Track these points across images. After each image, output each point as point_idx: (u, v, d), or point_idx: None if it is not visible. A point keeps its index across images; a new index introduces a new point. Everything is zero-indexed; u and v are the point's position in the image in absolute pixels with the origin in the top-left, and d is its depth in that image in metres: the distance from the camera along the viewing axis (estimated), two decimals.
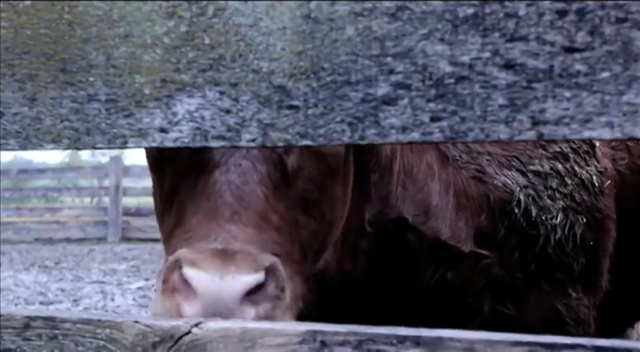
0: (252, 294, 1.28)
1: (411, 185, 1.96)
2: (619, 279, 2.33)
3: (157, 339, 1.13)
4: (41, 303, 7.63)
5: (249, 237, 1.35)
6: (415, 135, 0.99)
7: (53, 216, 16.51)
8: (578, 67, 0.91)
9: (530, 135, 0.94)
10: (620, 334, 3.21)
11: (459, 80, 0.96)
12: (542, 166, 2.11)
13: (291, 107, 1.04)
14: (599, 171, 2.23)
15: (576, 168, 2.16)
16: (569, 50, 0.92)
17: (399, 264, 1.95)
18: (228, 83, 1.06)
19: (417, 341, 0.99)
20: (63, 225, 15.92)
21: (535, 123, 0.94)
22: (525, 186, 2.07)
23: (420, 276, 1.97)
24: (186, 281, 1.29)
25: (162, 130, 1.10)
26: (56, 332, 1.19)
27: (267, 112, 1.05)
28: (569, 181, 2.13)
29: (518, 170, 2.09)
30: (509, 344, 0.95)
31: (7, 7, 1.16)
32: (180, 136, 1.09)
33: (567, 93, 0.92)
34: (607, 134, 0.91)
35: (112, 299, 7.84)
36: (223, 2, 1.05)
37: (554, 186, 2.11)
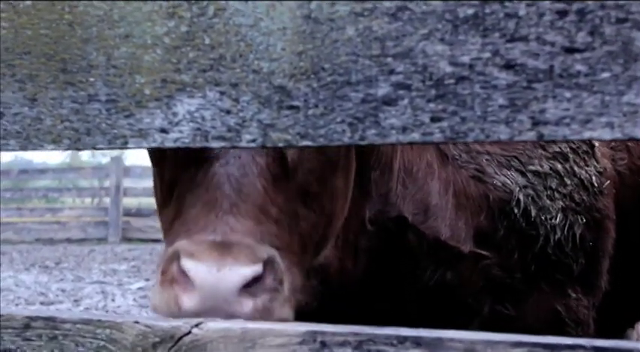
0: (250, 286, 1.29)
1: (411, 183, 1.96)
2: (619, 280, 2.33)
3: (157, 339, 1.13)
4: (42, 303, 7.63)
5: (248, 229, 1.35)
6: (415, 136, 0.99)
7: (54, 217, 16.52)
8: (579, 67, 0.91)
9: (531, 135, 0.94)
10: (621, 334, 3.21)
11: (460, 80, 0.96)
12: (541, 166, 2.11)
13: (291, 107, 1.04)
14: (599, 172, 2.23)
15: (576, 168, 2.16)
16: (570, 50, 0.92)
17: (399, 264, 1.95)
18: (228, 83, 1.06)
19: (417, 342, 0.99)
20: (63, 226, 15.92)
21: (535, 123, 0.94)
22: (525, 186, 2.07)
23: (419, 276, 1.97)
24: (184, 273, 1.30)
25: (163, 131, 1.10)
26: (56, 332, 1.19)
27: (268, 113, 1.05)
28: (568, 181, 2.13)
29: (517, 170, 2.08)
30: (509, 345, 0.95)
31: (8, 8, 1.16)
32: (180, 137, 1.09)
33: (567, 94, 0.92)
34: (607, 134, 0.91)
35: (113, 300, 7.84)
36: (224, 2, 1.05)
37: (554, 187, 2.10)
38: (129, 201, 17.33)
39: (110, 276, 9.76)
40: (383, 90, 0.99)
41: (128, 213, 15.93)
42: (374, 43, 0.99)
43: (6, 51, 1.16)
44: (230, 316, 1.27)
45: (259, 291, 1.30)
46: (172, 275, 1.32)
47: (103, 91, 1.13)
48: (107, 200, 16.54)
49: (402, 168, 1.94)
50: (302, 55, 1.02)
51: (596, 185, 2.19)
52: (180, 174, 1.48)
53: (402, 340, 0.99)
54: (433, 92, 0.97)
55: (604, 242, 2.21)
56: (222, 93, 1.07)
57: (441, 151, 2.03)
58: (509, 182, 2.06)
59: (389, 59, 0.99)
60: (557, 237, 2.07)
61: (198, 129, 1.08)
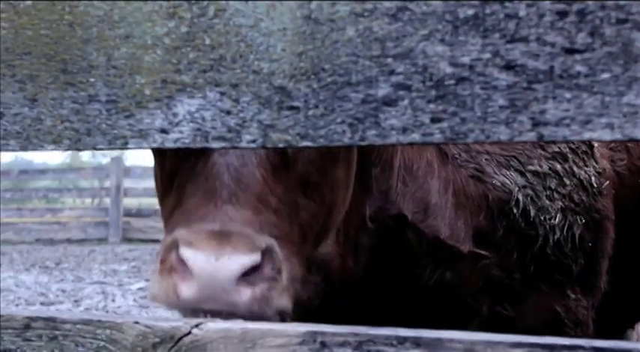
0: (249, 275, 1.29)
1: (411, 182, 1.96)
2: (618, 281, 2.33)
3: (157, 340, 1.13)
4: (42, 304, 7.63)
5: (247, 218, 1.36)
6: (415, 136, 0.99)
7: (54, 217, 16.52)
8: (579, 68, 0.92)
9: (531, 136, 0.94)
10: (620, 335, 3.21)
11: (460, 81, 0.96)
12: (540, 166, 2.11)
13: (291, 108, 1.04)
14: (598, 172, 2.23)
15: (575, 168, 2.16)
16: (570, 51, 0.92)
17: (399, 262, 1.95)
18: (228, 84, 1.06)
19: (417, 342, 0.99)
20: (64, 226, 15.92)
21: (535, 124, 0.94)
22: (524, 186, 2.07)
23: (419, 275, 1.97)
24: (183, 262, 1.30)
25: (163, 131, 1.10)
26: (56, 332, 1.19)
27: (268, 113, 1.05)
28: (567, 182, 2.13)
29: (516, 170, 2.08)
30: (509, 346, 0.95)
31: (8, 8, 1.16)
32: (180, 137, 1.09)
33: (567, 95, 0.92)
34: (607, 135, 0.91)
35: (113, 300, 7.85)
36: (224, 3, 1.05)
37: (553, 187, 2.10)
38: (129, 202, 17.33)
39: (110, 277, 9.76)
40: (383, 90, 0.99)
41: (128, 213, 15.93)
42: (374, 44, 0.99)
43: (6, 51, 1.17)
44: (228, 305, 1.28)
45: (257, 280, 1.30)
46: (171, 264, 1.32)
47: (103, 92, 1.13)
48: (107, 200, 16.54)
49: (403, 166, 1.94)
50: (302, 55, 1.02)
51: (595, 185, 2.20)
52: (181, 163, 1.49)
53: (402, 340, 0.99)
54: (433, 93, 0.97)
55: (603, 242, 2.21)
56: (222, 93, 1.07)
57: (441, 150, 2.03)
58: (508, 182, 2.06)
59: (389, 60, 0.99)
60: (556, 237, 2.07)
61: (199, 129, 1.08)
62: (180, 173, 1.48)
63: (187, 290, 1.29)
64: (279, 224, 1.42)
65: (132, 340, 1.14)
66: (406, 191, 1.95)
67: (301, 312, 1.90)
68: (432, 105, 0.97)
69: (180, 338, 1.12)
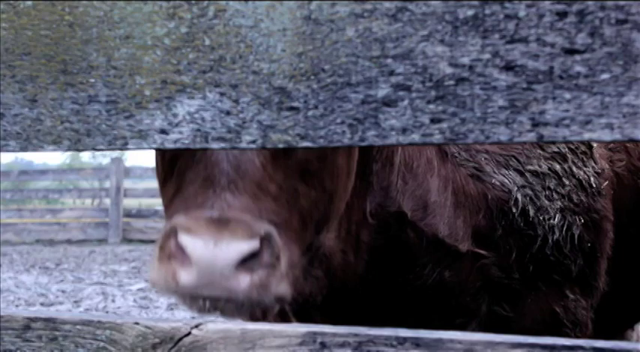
0: (247, 262, 1.29)
1: (411, 179, 1.96)
2: (617, 281, 2.33)
3: (157, 340, 1.13)
4: (42, 305, 7.63)
5: (245, 205, 1.36)
6: (415, 137, 0.99)
7: (54, 218, 16.52)
8: (578, 68, 0.92)
9: (531, 136, 0.94)
10: (619, 336, 3.21)
11: (459, 81, 0.96)
12: (540, 166, 2.11)
13: (291, 108, 1.04)
14: (597, 172, 2.23)
15: (574, 168, 2.16)
16: (570, 52, 0.92)
17: (398, 260, 1.95)
18: (228, 84, 1.06)
19: (417, 343, 0.99)
20: (64, 227, 15.92)
21: (535, 124, 0.94)
22: (523, 186, 2.07)
23: (418, 273, 1.97)
24: (181, 248, 1.30)
25: (163, 132, 1.10)
26: (56, 333, 1.19)
27: (268, 114, 1.05)
28: (566, 182, 2.13)
29: (516, 169, 2.08)
30: (509, 346, 0.95)
31: (8, 8, 1.16)
32: (180, 138, 1.09)
33: (567, 95, 0.92)
34: (607, 136, 0.91)
35: (113, 301, 7.84)
36: (224, 3, 1.05)
37: (552, 187, 2.10)
38: (129, 202, 17.35)
39: (110, 277, 9.76)
40: (383, 91, 0.99)
41: (128, 214, 15.93)
42: (374, 44, 0.99)
43: (6, 52, 1.17)
44: (227, 291, 1.28)
45: (256, 267, 1.30)
46: (170, 250, 1.32)
47: (103, 92, 1.13)
48: (107, 201, 16.54)
49: (403, 163, 1.94)
50: (302, 56, 1.03)
51: (594, 186, 2.19)
52: (181, 150, 1.49)
53: (402, 341, 0.99)
54: (433, 93, 0.97)
55: (602, 243, 2.21)
56: (222, 94, 1.07)
57: (441, 148, 2.03)
58: (507, 181, 2.06)
59: (389, 60, 0.99)
60: (555, 237, 2.07)
61: (198, 130, 1.08)
62: (181, 160, 1.48)
63: (186, 276, 1.29)
64: (278, 211, 1.43)
65: (132, 340, 1.14)
66: (406, 188, 1.95)
67: (303, 309, 1.90)
68: (431, 106, 0.97)
69: (180, 339, 1.12)
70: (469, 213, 2.02)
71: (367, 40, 0.99)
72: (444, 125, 0.97)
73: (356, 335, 1.02)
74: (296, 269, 1.44)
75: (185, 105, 1.09)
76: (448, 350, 0.97)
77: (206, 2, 1.06)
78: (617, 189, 2.34)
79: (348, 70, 1.01)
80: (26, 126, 1.17)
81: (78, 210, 17.94)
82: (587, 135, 0.92)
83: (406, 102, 0.98)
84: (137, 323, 1.15)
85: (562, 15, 0.92)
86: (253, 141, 1.06)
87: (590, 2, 0.90)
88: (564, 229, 2.09)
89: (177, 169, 1.49)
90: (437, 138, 0.98)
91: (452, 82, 0.96)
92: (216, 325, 1.12)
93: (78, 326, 1.18)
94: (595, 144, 2.28)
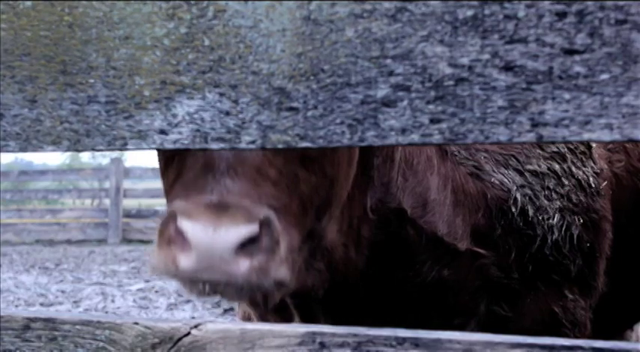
0: (247, 246, 1.30)
1: (411, 176, 1.96)
2: (615, 282, 2.33)
3: (156, 341, 1.13)
4: (41, 305, 7.63)
5: (245, 190, 1.36)
6: (415, 137, 0.99)
7: (54, 218, 16.53)
8: (578, 68, 0.92)
9: (530, 136, 0.94)
10: (619, 336, 3.21)
11: (459, 82, 0.96)
12: (539, 166, 2.11)
13: (290, 109, 1.04)
14: (596, 173, 2.23)
15: (573, 168, 2.16)
16: (569, 52, 0.92)
17: (398, 256, 1.95)
18: (227, 85, 1.06)
19: (416, 343, 0.99)
20: (63, 227, 15.93)
21: (534, 124, 0.94)
22: (522, 186, 2.07)
23: (417, 271, 1.97)
24: (181, 233, 1.31)
25: (162, 132, 1.10)
26: (56, 333, 1.19)
27: (267, 114, 1.05)
28: (566, 182, 2.13)
29: (515, 169, 2.08)
30: (508, 346, 0.95)
31: (8, 9, 1.16)
32: (179, 138, 1.09)
33: (567, 95, 0.92)
34: (606, 136, 0.91)
35: (113, 301, 7.84)
36: (223, 3, 1.05)
37: (551, 187, 2.10)
38: (129, 203, 17.35)
39: (110, 278, 9.76)
40: (382, 91, 0.99)
41: (128, 214, 15.93)
42: (373, 45, 0.99)
43: (6, 52, 1.17)
44: (226, 275, 1.29)
45: (256, 251, 1.31)
46: (169, 235, 1.33)
47: (102, 93, 1.13)
48: (107, 201, 16.54)
49: (403, 160, 1.95)
50: (301, 56, 1.03)
51: (593, 186, 2.20)
52: None
53: (401, 341, 0.99)
54: (432, 93, 0.97)
55: (601, 243, 2.21)
56: (221, 94, 1.07)
57: (441, 146, 2.03)
58: (506, 181, 2.06)
59: (388, 60, 0.99)
60: (554, 237, 2.07)
61: (198, 130, 1.08)
62: None
63: (186, 260, 1.30)
64: (277, 195, 1.43)
65: (131, 341, 1.14)
66: (406, 185, 1.95)
67: (305, 303, 1.90)
68: (431, 106, 0.97)
69: (180, 339, 1.12)
70: (468, 212, 2.02)
71: (367, 40, 1.00)
72: (444, 125, 0.97)
73: (355, 335, 1.02)
74: (295, 254, 1.45)
75: (184, 105, 1.09)
76: (447, 350, 0.97)
77: (205, 3, 1.06)
78: (616, 189, 2.34)
79: (347, 71, 1.01)
80: (26, 126, 1.17)
81: (77, 210, 17.95)
82: (586, 136, 0.92)
83: (405, 102, 0.98)
84: (136, 323, 1.15)
85: (561, 15, 0.92)
86: (253, 142, 1.06)
87: (589, 2, 0.90)
88: (563, 229, 2.09)
89: (178, 154, 1.50)
90: (436, 138, 0.98)
91: (451, 83, 0.96)
92: (216, 325, 1.12)
93: (77, 326, 1.18)
94: (594, 145, 2.28)
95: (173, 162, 1.51)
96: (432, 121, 0.97)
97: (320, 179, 1.58)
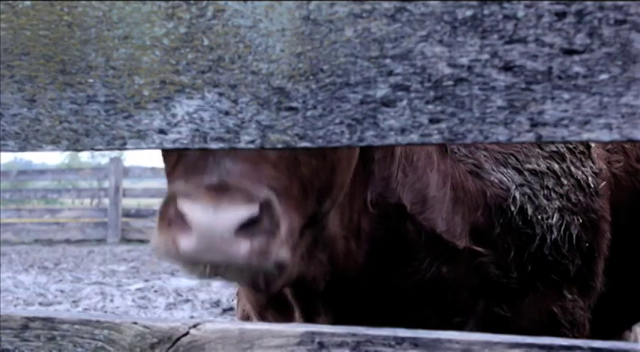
0: (247, 228, 1.30)
1: (410, 172, 1.96)
2: (614, 282, 2.33)
3: (155, 340, 1.13)
4: (40, 304, 7.63)
5: (245, 171, 1.37)
6: (414, 137, 0.99)
7: (53, 218, 16.53)
8: (577, 68, 0.92)
9: (529, 136, 0.94)
10: (618, 336, 3.21)
11: (458, 82, 0.96)
12: (538, 165, 2.11)
13: (290, 109, 1.04)
14: (595, 173, 2.23)
15: (572, 168, 2.16)
16: (568, 52, 0.92)
17: (397, 252, 1.96)
18: (227, 85, 1.06)
19: (415, 343, 0.99)
20: (62, 227, 15.93)
21: (534, 124, 0.94)
22: (521, 185, 2.07)
23: (416, 267, 1.97)
24: (181, 215, 1.31)
25: (161, 132, 1.10)
26: (54, 333, 1.19)
27: (266, 114, 1.05)
28: (565, 181, 2.13)
29: (514, 168, 2.08)
30: (507, 346, 0.95)
31: (7, 9, 1.16)
32: (179, 138, 1.09)
33: (566, 95, 0.92)
34: (605, 136, 0.91)
35: (112, 301, 7.84)
36: (223, 3, 1.05)
37: (551, 186, 2.11)
38: (128, 202, 17.34)
39: (109, 277, 9.76)
40: (381, 91, 0.99)
41: (127, 214, 15.93)
42: (372, 45, 0.99)
43: (5, 52, 1.17)
44: (227, 256, 1.29)
45: (256, 233, 1.31)
46: (170, 217, 1.33)
47: (101, 92, 1.13)
48: (106, 201, 16.55)
49: (404, 155, 1.95)
50: (301, 56, 1.03)
51: (592, 186, 2.20)
52: None
53: (400, 341, 0.99)
54: (432, 93, 0.97)
55: (600, 243, 2.21)
56: (220, 94, 1.07)
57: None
58: (505, 179, 2.06)
59: (387, 60, 0.99)
60: (553, 237, 2.07)
61: (197, 130, 1.08)
62: None
63: (186, 242, 1.30)
64: (278, 177, 1.43)
65: (130, 340, 1.14)
66: (406, 181, 1.95)
67: (306, 296, 1.90)
68: (430, 106, 0.97)
69: (178, 339, 1.12)
70: (467, 210, 2.02)
71: (366, 40, 1.00)
72: (443, 125, 0.97)
73: (354, 335, 1.02)
74: (296, 236, 1.45)
75: (184, 105, 1.09)
76: (446, 350, 0.97)
77: (205, 2, 1.06)
78: (615, 190, 2.34)
79: (346, 71, 1.01)
80: (25, 126, 1.17)
81: (77, 209, 17.95)
82: (585, 136, 0.92)
83: (405, 102, 0.98)
84: (135, 323, 1.15)
85: (561, 15, 0.92)
86: (252, 142, 1.06)
87: (588, 2, 0.90)
88: (562, 229, 2.09)
89: None
90: (435, 138, 0.98)
91: (450, 83, 0.96)
92: (215, 325, 1.12)
93: (76, 326, 1.18)
94: (593, 145, 2.28)
95: None
96: (432, 121, 0.97)
97: (320, 162, 1.58)
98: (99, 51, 1.12)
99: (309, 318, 1.96)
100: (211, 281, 9.01)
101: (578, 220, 2.13)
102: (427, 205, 1.98)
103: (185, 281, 9.15)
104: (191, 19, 1.07)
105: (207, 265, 1.33)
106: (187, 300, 7.81)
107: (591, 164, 2.23)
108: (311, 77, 1.02)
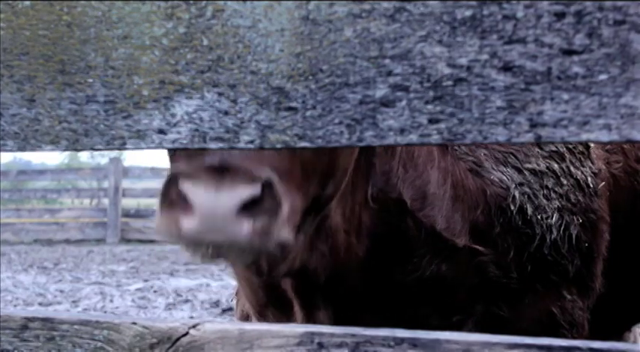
0: (249, 208, 1.30)
1: (411, 168, 1.96)
2: (613, 283, 2.33)
3: (154, 341, 1.13)
4: (40, 304, 7.63)
5: (246, 152, 1.37)
6: (413, 137, 0.99)
7: (52, 217, 16.53)
8: (576, 69, 0.92)
9: (528, 137, 0.94)
10: (617, 337, 3.21)
11: (457, 82, 0.96)
12: (538, 165, 2.11)
13: (289, 109, 1.04)
14: (594, 173, 2.23)
15: (572, 168, 2.16)
16: (568, 52, 0.92)
17: (397, 249, 1.96)
18: (226, 84, 1.06)
19: (414, 344, 0.99)
20: (62, 227, 15.93)
21: (533, 125, 0.94)
22: (521, 184, 2.07)
23: (416, 264, 1.97)
24: (183, 196, 1.31)
25: (161, 131, 1.10)
26: (54, 333, 1.19)
27: (266, 114, 1.05)
28: (564, 181, 2.13)
29: (514, 167, 2.09)
30: (506, 347, 0.95)
31: (6, 8, 1.16)
32: (178, 138, 1.09)
33: (565, 96, 0.92)
34: (604, 136, 0.91)
35: (111, 301, 7.84)
36: (222, 3, 1.05)
37: (550, 186, 2.11)
38: (127, 202, 17.34)
39: (109, 277, 9.76)
40: (381, 91, 0.99)
41: (127, 214, 15.93)
42: (372, 45, 0.99)
43: (4, 52, 1.17)
44: (229, 236, 1.29)
45: (258, 213, 1.31)
46: (171, 198, 1.33)
47: (101, 92, 1.13)
48: (106, 201, 16.55)
49: (404, 150, 1.95)
50: (300, 56, 1.03)
51: (591, 186, 2.20)
52: None
53: (399, 341, 0.99)
54: (431, 94, 0.97)
55: (598, 244, 2.21)
56: (220, 94, 1.07)
57: None
58: (505, 178, 2.06)
59: (387, 61, 0.99)
60: (553, 237, 2.07)
61: (197, 130, 1.08)
62: None
63: (188, 222, 1.30)
64: (279, 158, 1.43)
65: (129, 340, 1.14)
66: (406, 177, 1.96)
67: (307, 290, 1.90)
68: (429, 106, 0.97)
69: (178, 339, 1.12)
70: (467, 208, 2.02)
71: (365, 40, 0.99)
72: (442, 125, 0.97)
73: (353, 335, 1.02)
74: (298, 216, 1.45)
75: (183, 105, 1.09)
76: (445, 351, 0.97)
77: (204, 2, 1.06)
78: (614, 190, 2.34)
79: (346, 71, 1.01)
80: (24, 126, 1.17)
81: (76, 209, 17.95)
82: (585, 136, 0.92)
83: (404, 102, 0.98)
84: (135, 323, 1.15)
85: (560, 16, 0.92)
86: (251, 141, 1.06)
87: (588, 3, 0.90)
88: (562, 229, 2.09)
89: None
90: (435, 138, 0.98)
91: (450, 83, 0.96)
92: (214, 325, 1.12)
93: (75, 326, 1.18)
94: (592, 145, 2.28)
95: None
96: (431, 121, 0.97)
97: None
98: (98, 51, 1.12)
99: (308, 313, 1.96)
100: (211, 282, 9.00)
101: (577, 220, 2.13)
102: (427, 202, 1.98)
103: (184, 282, 9.16)
104: (190, 19, 1.07)
105: (210, 246, 1.33)
106: (187, 300, 7.81)
107: (590, 164, 2.23)
108: (310, 77, 1.02)
